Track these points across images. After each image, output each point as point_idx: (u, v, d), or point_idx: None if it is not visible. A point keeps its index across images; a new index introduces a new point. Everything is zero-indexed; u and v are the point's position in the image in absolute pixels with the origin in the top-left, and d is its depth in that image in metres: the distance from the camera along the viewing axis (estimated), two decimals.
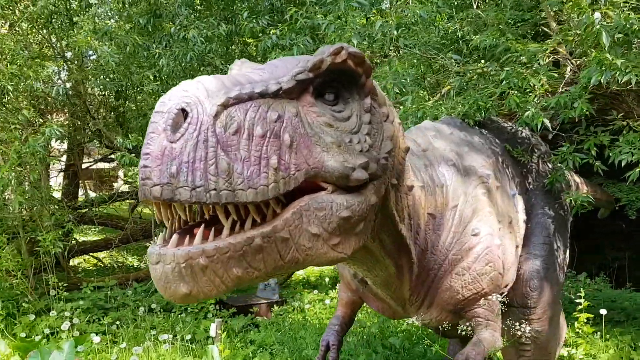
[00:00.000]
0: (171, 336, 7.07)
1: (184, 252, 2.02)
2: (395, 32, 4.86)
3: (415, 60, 5.80)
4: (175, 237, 2.10)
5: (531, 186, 4.87)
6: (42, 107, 11.05)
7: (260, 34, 7.55)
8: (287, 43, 6.65)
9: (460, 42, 5.51)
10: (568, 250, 5.02)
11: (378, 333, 7.93)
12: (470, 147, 4.27)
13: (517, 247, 4.27)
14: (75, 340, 5.80)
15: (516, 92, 4.64)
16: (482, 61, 5.14)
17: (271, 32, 6.76)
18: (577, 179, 5.73)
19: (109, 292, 9.16)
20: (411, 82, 5.27)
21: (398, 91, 5.22)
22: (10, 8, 8.60)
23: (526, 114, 4.43)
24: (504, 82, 4.70)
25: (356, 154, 2.44)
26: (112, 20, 8.54)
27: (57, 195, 12.45)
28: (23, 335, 7.17)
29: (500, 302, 3.83)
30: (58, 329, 7.27)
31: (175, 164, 1.96)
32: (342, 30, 5.21)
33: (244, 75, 2.34)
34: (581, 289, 6.58)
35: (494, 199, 4.04)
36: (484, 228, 3.74)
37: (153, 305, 8.77)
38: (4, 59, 8.35)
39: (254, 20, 7.40)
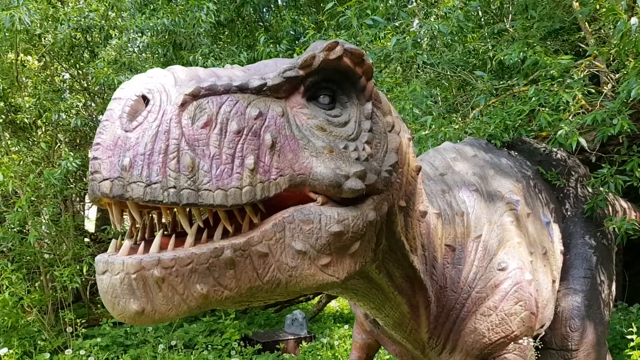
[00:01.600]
0: None
1: (135, 261, 1.68)
2: (411, 49, 4.50)
3: (437, 79, 5.42)
4: (127, 243, 1.78)
5: (569, 213, 4.39)
6: (77, 140, 11.07)
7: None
8: None
9: (486, 58, 5.12)
10: (614, 283, 4.50)
11: None
12: (497, 170, 3.85)
13: (553, 281, 3.79)
14: None
15: (547, 109, 4.20)
16: (510, 78, 4.73)
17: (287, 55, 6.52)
18: (624, 204, 5.21)
19: (128, 329, 8.89)
20: (432, 102, 4.88)
21: (419, 112, 4.84)
22: (34, 42, 8.65)
23: (559, 132, 3.99)
24: (534, 99, 4.27)
25: (351, 161, 2.12)
26: (132, 49, 8.48)
27: (91, 226, 12.40)
28: None
29: (534, 346, 3.35)
30: None
31: (129, 156, 1.67)
32: None
33: (227, 70, 2.06)
34: (633, 322, 5.95)
35: (524, 227, 3.59)
36: (512, 261, 3.29)
37: (173, 342, 8.45)
38: (25, 93, 8.38)
39: (270, 45, 7.19)
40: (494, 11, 6.35)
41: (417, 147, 4.55)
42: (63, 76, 10.09)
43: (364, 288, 2.76)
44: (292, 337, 9.25)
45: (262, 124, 1.90)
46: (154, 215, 1.91)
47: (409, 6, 5.71)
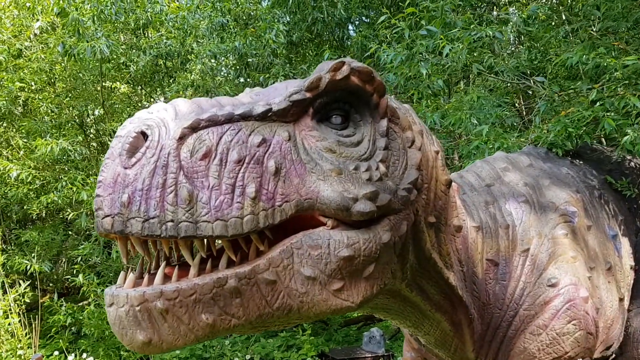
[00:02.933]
0: None
1: (139, 294, 1.73)
2: (466, 58, 4.36)
3: (501, 87, 5.22)
4: (131, 276, 1.83)
5: None
6: None
7: None
8: None
9: (545, 63, 4.86)
10: None
11: None
12: (554, 180, 3.62)
13: (621, 299, 3.50)
14: None
15: (612, 114, 3.91)
16: (574, 82, 4.46)
17: None
18: None
19: (206, 342, 9.15)
20: (491, 111, 4.70)
21: (476, 122, 4.67)
22: (120, 70, 9.28)
23: (625, 138, 3.70)
24: (598, 104, 3.99)
25: (362, 183, 2.05)
26: (207, 73, 8.85)
27: None
28: None
29: None
30: None
31: (128, 192, 1.71)
32: (410, 60, 4.82)
33: (233, 98, 2.08)
34: None
35: (582, 241, 3.35)
36: (564, 277, 3.07)
37: (249, 357, 8.60)
38: (114, 119, 8.96)
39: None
40: (567, 12, 6.03)
41: (474, 158, 4.39)
42: (155, 100, 10.70)
43: (396, 307, 2.68)
44: (370, 355, 9.11)
45: (266, 150, 1.89)
46: (163, 247, 1.93)
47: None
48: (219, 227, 1.74)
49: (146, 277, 1.82)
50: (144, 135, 1.79)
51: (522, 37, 4.80)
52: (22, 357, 7.33)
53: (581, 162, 4.18)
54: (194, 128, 1.81)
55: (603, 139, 5.15)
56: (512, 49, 5.14)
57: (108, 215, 1.73)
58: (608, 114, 3.98)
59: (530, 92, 5.05)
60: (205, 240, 1.82)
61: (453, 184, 2.75)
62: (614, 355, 3.56)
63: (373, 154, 2.16)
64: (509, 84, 5.23)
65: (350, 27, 10.24)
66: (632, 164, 4.29)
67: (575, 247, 3.25)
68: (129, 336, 1.76)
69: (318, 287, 1.95)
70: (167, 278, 1.81)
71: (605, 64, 3.91)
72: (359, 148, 2.14)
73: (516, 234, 3.16)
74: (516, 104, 5.42)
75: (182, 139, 1.78)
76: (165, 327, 1.75)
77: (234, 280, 1.80)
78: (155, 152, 1.75)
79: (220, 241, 1.92)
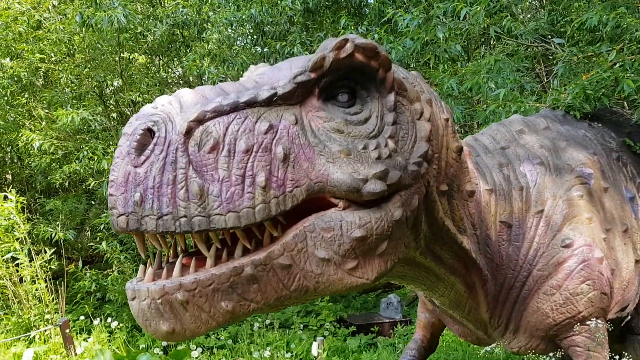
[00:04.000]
0: (269, 353, 6.95)
1: (159, 287, 1.77)
2: (482, 21, 4.29)
3: (520, 51, 5.13)
4: (150, 270, 1.86)
5: None
6: None
7: None
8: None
9: (565, 24, 4.76)
10: None
11: None
12: (570, 142, 3.60)
13: (637, 261, 3.49)
14: (174, 354, 5.89)
15: (633, 75, 3.84)
16: (594, 44, 4.37)
17: (367, 37, 6.47)
18: None
19: None
20: (510, 76, 4.64)
21: (494, 86, 4.62)
22: (138, 40, 9.30)
23: None
24: (617, 65, 3.92)
25: (371, 162, 2.04)
26: (224, 41, 8.84)
27: None
28: (143, 346, 7.52)
29: (607, 328, 3.12)
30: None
31: (140, 191, 1.74)
32: (427, 24, 4.76)
33: (237, 83, 2.06)
34: None
35: (598, 202, 3.34)
36: (579, 238, 3.08)
37: (267, 322, 8.77)
38: (133, 89, 9.01)
39: (351, 27, 7.17)
40: None
41: (491, 123, 4.35)
42: (172, 70, 10.73)
43: (411, 273, 2.70)
44: (387, 321, 9.21)
45: (274, 137, 1.89)
46: (178, 238, 1.96)
47: None
48: (232, 218, 1.77)
49: (165, 269, 1.86)
50: (150, 132, 1.80)
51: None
52: (50, 321, 7.57)
53: (599, 124, 4.13)
54: (200, 120, 1.82)
55: (625, 103, 5.06)
56: (533, 12, 5.03)
57: (122, 214, 1.76)
58: (628, 74, 3.91)
59: (550, 56, 4.97)
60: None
61: (465, 148, 2.74)
62: (629, 317, 3.57)
63: (381, 130, 2.14)
64: (528, 49, 5.15)
65: None
66: None
67: (591, 208, 3.25)
68: (153, 327, 1.81)
69: (333, 267, 1.98)
70: (185, 268, 1.85)
71: (625, 25, 3.82)
72: (367, 125, 2.12)
73: (530, 196, 3.16)
74: (536, 69, 5.33)
75: (188, 133, 1.79)
76: (187, 317, 1.80)
77: (250, 268, 1.84)
78: (163, 149, 1.77)
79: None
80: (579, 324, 3.03)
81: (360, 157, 2.03)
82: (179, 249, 1.95)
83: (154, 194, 1.74)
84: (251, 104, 1.91)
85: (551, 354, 3.20)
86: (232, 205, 1.77)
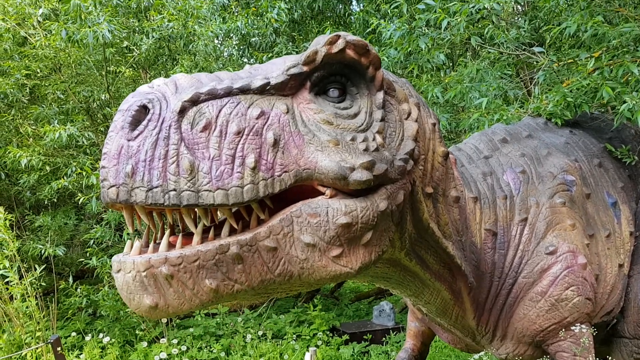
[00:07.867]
0: None
1: (145, 260, 1.83)
2: (465, 31, 4.36)
3: (502, 60, 5.21)
4: (137, 243, 1.93)
5: None
6: None
7: None
8: None
9: (544, 33, 4.85)
10: None
11: None
12: (552, 150, 3.67)
13: (620, 265, 3.56)
14: None
15: (611, 82, 3.91)
16: (573, 51, 4.45)
17: None
18: None
19: (219, 320, 9.32)
20: (493, 83, 4.70)
21: (477, 95, 4.69)
22: (123, 54, 9.30)
23: (623, 106, 3.71)
24: (596, 72, 4.00)
25: (359, 153, 2.13)
26: (210, 53, 8.86)
27: None
28: None
29: (591, 332, 3.17)
30: (169, 356, 7.51)
31: (132, 163, 1.81)
32: (410, 35, 4.83)
33: (233, 73, 2.16)
34: None
35: (581, 209, 3.41)
36: (562, 244, 3.14)
37: (260, 332, 8.76)
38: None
39: None
40: None
41: (475, 131, 4.42)
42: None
43: (396, 276, 2.76)
44: (380, 328, 9.25)
45: (265, 122, 1.96)
46: (167, 217, 2.03)
47: None
48: (220, 195, 1.83)
49: (151, 245, 1.92)
50: (145, 108, 1.88)
51: (525, 6, 4.77)
52: (41, 338, 7.52)
53: (581, 131, 4.21)
54: (194, 101, 1.90)
55: (608, 108, 5.14)
56: (514, 19, 5.11)
57: (113, 186, 1.82)
58: (606, 82, 3.99)
59: (534, 63, 5.05)
60: (208, 210, 1.91)
61: (450, 156, 2.81)
62: (615, 321, 3.63)
63: (370, 125, 2.23)
64: (510, 56, 5.23)
65: (353, 1, 10.19)
66: (632, 131, 4.31)
67: (574, 215, 3.31)
68: (136, 301, 1.85)
69: (317, 253, 2.03)
70: (172, 247, 1.90)
71: (603, 32, 3.91)
72: (356, 120, 2.21)
73: (514, 204, 3.22)
74: (521, 76, 5.41)
75: (182, 112, 1.87)
76: (170, 292, 1.84)
77: (236, 247, 1.89)
78: (157, 125, 1.84)
79: (222, 213, 2.00)
80: (564, 329, 3.08)
81: (348, 147, 2.12)
82: (166, 229, 2.00)
83: (145, 167, 1.80)
84: (244, 90, 2.00)
85: None
86: (221, 183, 1.84)
